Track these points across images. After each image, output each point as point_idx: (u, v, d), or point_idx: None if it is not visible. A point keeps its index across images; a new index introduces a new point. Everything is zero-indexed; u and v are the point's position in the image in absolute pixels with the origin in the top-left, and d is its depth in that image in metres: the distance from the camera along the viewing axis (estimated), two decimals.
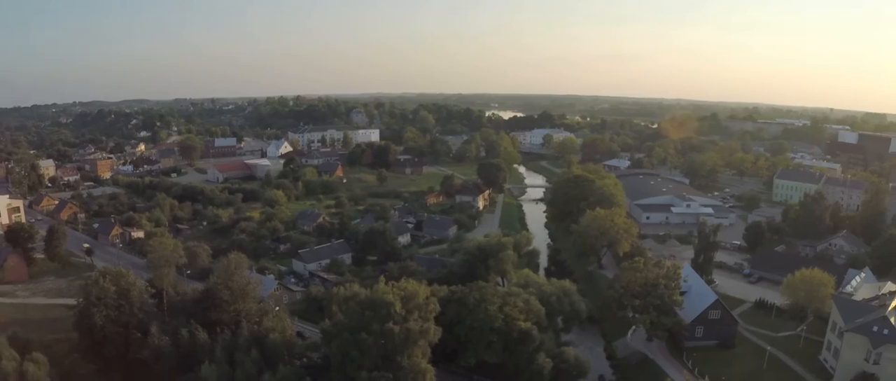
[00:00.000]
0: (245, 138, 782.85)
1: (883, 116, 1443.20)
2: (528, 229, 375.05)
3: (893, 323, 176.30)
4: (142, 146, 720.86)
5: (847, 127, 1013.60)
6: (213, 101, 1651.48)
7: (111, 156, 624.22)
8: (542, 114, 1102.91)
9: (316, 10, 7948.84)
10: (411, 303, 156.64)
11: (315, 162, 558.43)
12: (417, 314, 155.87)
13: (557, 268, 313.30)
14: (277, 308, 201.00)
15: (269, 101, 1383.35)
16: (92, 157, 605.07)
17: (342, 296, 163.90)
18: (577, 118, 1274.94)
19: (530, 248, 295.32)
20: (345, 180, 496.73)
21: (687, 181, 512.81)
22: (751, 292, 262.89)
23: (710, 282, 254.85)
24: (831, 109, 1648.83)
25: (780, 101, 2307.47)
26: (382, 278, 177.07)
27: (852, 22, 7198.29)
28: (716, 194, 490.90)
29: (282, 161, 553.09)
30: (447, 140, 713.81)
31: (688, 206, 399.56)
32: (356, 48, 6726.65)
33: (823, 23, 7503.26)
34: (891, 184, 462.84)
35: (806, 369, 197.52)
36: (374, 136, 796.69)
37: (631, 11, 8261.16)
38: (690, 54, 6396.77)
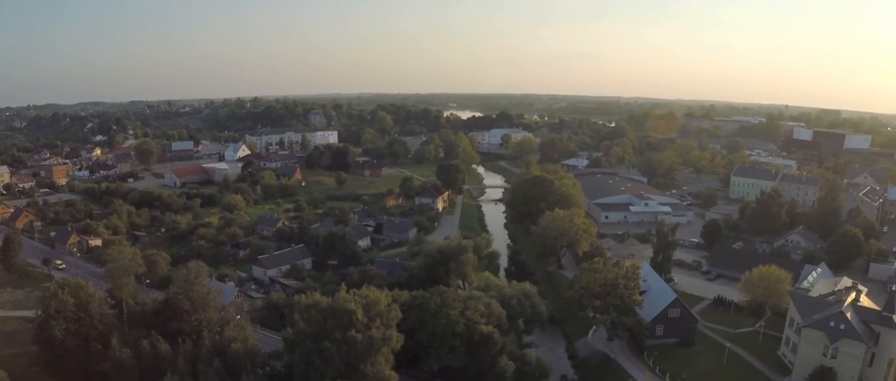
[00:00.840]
0: (202, 141, 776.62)
1: (837, 112, 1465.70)
2: (487, 231, 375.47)
3: (850, 318, 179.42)
4: (98, 151, 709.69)
5: (802, 124, 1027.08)
6: (169, 103, 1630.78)
7: (67, 161, 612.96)
8: (501, 114, 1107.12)
9: (271, 11, 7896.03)
10: (373, 310, 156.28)
11: (273, 165, 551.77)
12: (379, 322, 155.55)
13: (518, 269, 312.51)
14: (239, 317, 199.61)
15: (226, 102, 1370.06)
16: (47, 162, 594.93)
17: (304, 304, 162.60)
18: (535, 117, 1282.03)
19: (490, 250, 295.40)
20: (303, 184, 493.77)
21: (645, 180, 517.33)
22: (709, 290, 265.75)
23: (669, 281, 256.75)
24: (787, 106, 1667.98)
25: (736, 98, 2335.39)
26: (343, 285, 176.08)
27: (806, 21, 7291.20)
28: (674, 192, 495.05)
29: (240, 165, 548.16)
30: (406, 141, 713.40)
31: (646, 205, 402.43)
32: (313, 49, 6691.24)
33: (778, 22, 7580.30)
34: (845, 180, 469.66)
35: (765, 364, 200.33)
36: (332, 137, 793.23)
37: (588, 11, 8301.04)
38: (648, 53, 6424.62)
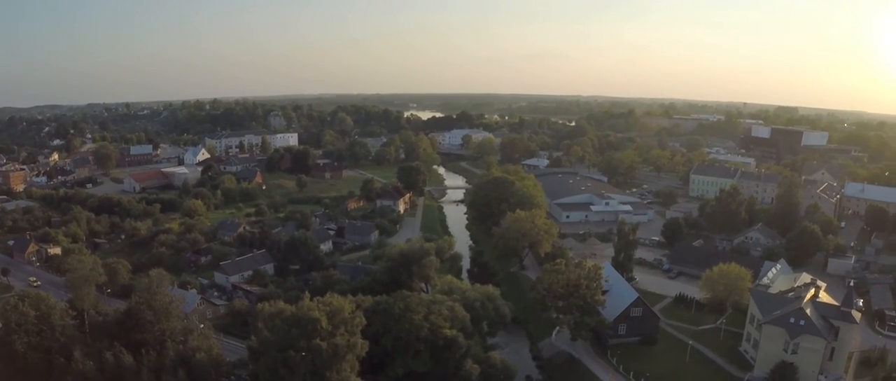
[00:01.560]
0: (162, 145, 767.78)
1: (795, 109, 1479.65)
2: (449, 232, 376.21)
3: (809, 314, 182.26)
4: (55, 156, 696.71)
5: (760, 121, 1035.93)
6: (127, 105, 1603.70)
7: (24, 167, 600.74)
8: (461, 114, 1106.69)
9: (229, 13, 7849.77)
10: (337, 318, 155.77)
11: (233, 169, 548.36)
12: (344, 329, 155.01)
13: (480, 270, 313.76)
14: (202, 326, 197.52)
15: (185, 105, 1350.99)
16: (4, 168, 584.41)
17: (267, 313, 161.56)
18: (496, 117, 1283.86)
19: (452, 252, 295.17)
20: (264, 187, 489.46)
21: (605, 179, 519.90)
22: (671, 288, 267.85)
23: (630, 280, 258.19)
24: (745, 104, 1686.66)
25: (695, 96, 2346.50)
26: (307, 293, 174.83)
27: (764, 20, 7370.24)
28: (634, 190, 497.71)
29: (200, 169, 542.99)
30: (366, 143, 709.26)
31: (606, 204, 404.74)
32: (273, 51, 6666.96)
33: (736, 20, 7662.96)
34: (803, 177, 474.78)
35: (727, 360, 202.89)
36: (292, 140, 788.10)
37: (548, 11, 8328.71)
38: (608, 53, 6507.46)
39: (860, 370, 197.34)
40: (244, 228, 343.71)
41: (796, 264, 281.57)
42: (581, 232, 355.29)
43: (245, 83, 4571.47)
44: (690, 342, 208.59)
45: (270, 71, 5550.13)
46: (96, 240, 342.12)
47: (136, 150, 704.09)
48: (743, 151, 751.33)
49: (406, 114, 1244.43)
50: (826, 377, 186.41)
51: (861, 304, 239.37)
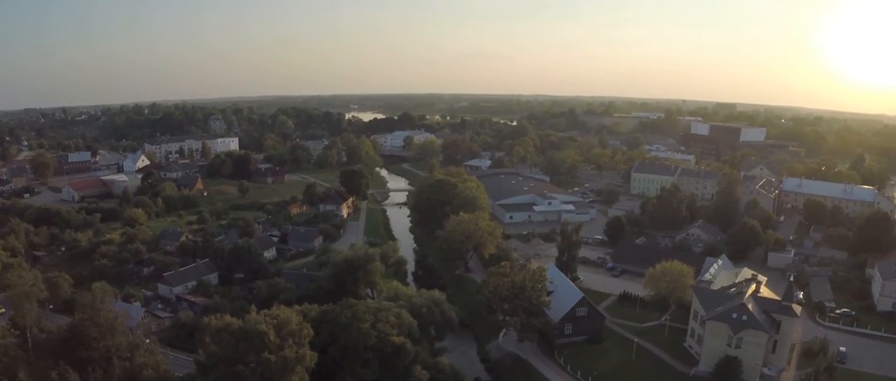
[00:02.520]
0: (100, 151, 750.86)
1: (733, 105, 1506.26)
2: (393, 236, 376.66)
3: (751, 309, 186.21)
4: None
5: (699, 118, 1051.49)
6: (64, 110, 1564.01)
7: None
8: (403, 115, 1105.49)
9: (169, 13, 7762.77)
10: (285, 330, 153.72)
11: (174, 175, 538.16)
12: (292, 341, 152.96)
13: (425, 273, 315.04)
14: (148, 341, 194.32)
15: (123, 109, 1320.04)
16: None
17: (214, 327, 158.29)
18: (437, 118, 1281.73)
19: (397, 257, 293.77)
20: (205, 194, 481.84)
21: (547, 179, 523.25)
22: (615, 286, 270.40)
23: (575, 279, 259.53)
24: (684, 101, 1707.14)
25: (635, 93, 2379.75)
26: (254, 307, 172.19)
27: (701, 17, 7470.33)
28: (576, 189, 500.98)
29: (139, 176, 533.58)
30: (308, 146, 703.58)
31: (549, 204, 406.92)
32: (212, 52, 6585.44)
33: (675, 18, 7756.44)
34: (742, 173, 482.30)
35: (672, 356, 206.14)
36: (233, 144, 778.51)
37: (488, 11, 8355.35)
38: (548, 51, 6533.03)
39: (802, 362, 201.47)
40: (186, 237, 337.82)
41: (737, 259, 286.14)
42: (525, 232, 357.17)
43: (184, 85, 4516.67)
44: (636, 340, 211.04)
45: (210, 73, 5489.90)
46: (36, 253, 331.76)
47: (74, 157, 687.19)
48: (683, 148, 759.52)
49: (347, 116, 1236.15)
50: (769, 369, 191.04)
51: (801, 296, 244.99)
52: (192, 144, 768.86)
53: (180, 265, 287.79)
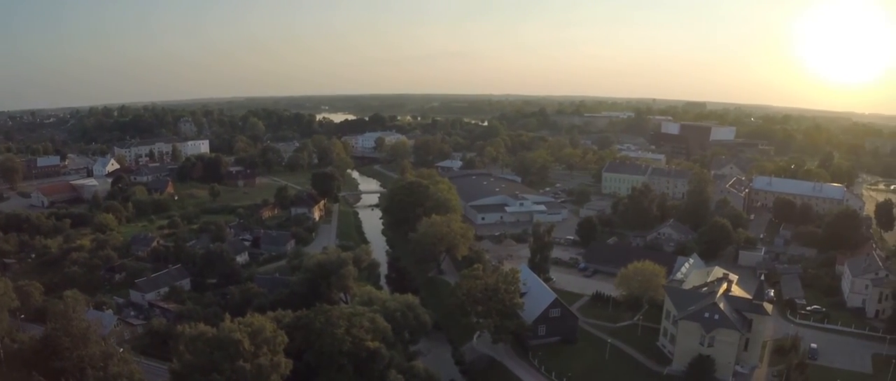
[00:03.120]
0: (69, 155, 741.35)
1: (703, 104, 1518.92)
2: (366, 238, 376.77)
3: (723, 309, 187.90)
4: None
5: (669, 117, 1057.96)
6: (32, 113, 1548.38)
7: None
8: (374, 116, 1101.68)
9: (137, 14, 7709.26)
10: (259, 338, 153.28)
11: (144, 179, 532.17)
12: (267, 349, 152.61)
13: (398, 275, 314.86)
14: (122, 350, 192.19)
15: (92, 111, 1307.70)
16: None
17: (189, 336, 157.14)
18: (409, 118, 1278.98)
19: (370, 260, 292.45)
20: (176, 198, 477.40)
21: (519, 179, 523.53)
22: (588, 286, 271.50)
23: (547, 280, 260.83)
24: (654, 100, 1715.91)
25: (606, 92, 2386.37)
26: (228, 315, 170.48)
27: (671, 16, 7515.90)
28: (547, 189, 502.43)
29: (109, 180, 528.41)
30: (279, 148, 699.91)
31: (521, 204, 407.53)
32: (181, 53, 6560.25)
33: (644, 18, 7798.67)
34: (712, 172, 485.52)
35: (646, 355, 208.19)
36: (203, 147, 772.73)
37: (459, 10, 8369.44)
38: (518, 51, 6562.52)
39: (774, 359, 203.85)
40: (158, 242, 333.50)
41: (708, 257, 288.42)
42: (497, 234, 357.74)
43: (154, 87, 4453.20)
44: (609, 340, 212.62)
45: (180, 75, 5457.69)
46: (5, 260, 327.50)
47: (43, 161, 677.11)
48: (653, 147, 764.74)
49: (318, 117, 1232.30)
50: (742, 367, 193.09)
51: (772, 294, 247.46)
52: (162, 146, 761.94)
53: (152, 271, 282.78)
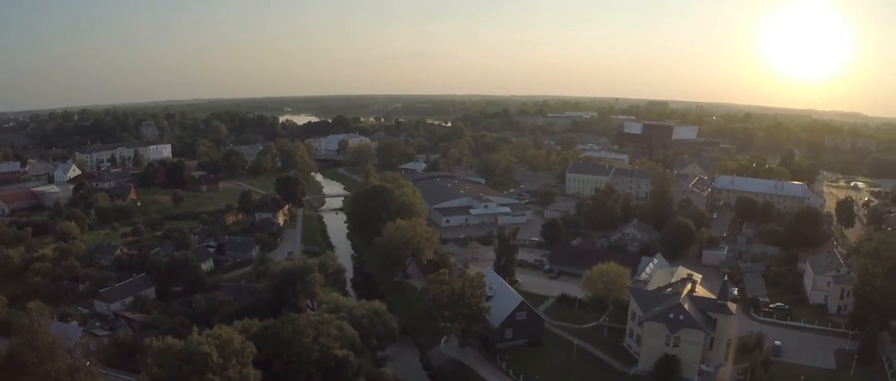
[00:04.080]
0: (30, 160, 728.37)
1: (665, 103, 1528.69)
2: (331, 243, 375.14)
3: (687, 309, 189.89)
4: None
5: (632, 117, 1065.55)
6: None
7: None
8: (337, 118, 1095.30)
9: (92, 13, 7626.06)
10: (228, 350, 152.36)
11: (106, 185, 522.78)
12: (235, 361, 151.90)
13: (364, 280, 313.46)
14: (88, 363, 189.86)
15: (52, 115, 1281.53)
16: None
17: (157, 349, 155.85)
18: (372, 120, 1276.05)
19: (336, 266, 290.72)
20: (139, 204, 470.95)
21: (483, 181, 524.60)
22: (553, 288, 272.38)
23: (513, 283, 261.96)
24: (617, 99, 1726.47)
25: (568, 92, 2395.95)
26: (195, 328, 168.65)
27: (632, 15, 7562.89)
28: (512, 190, 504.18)
29: (71, 187, 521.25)
30: (242, 152, 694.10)
31: (485, 206, 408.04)
32: (142, 54, 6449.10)
33: (607, 17, 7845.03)
34: (675, 171, 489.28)
35: (612, 356, 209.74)
36: (166, 151, 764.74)
37: (421, 11, 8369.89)
38: (481, 51, 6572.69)
39: (739, 357, 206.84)
40: (121, 250, 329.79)
41: (672, 257, 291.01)
42: (462, 236, 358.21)
43: (115, 90, 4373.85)
44: (576, 341, 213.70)
45: (141, 76, 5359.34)
46: None
47: (2, 167, 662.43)
48: (616, 147, 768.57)
49: (281, 119, 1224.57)
50: (707, 365, 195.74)
51: (736, 292, 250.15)
52: (123, 151, 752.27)
53: (116, 281, 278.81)
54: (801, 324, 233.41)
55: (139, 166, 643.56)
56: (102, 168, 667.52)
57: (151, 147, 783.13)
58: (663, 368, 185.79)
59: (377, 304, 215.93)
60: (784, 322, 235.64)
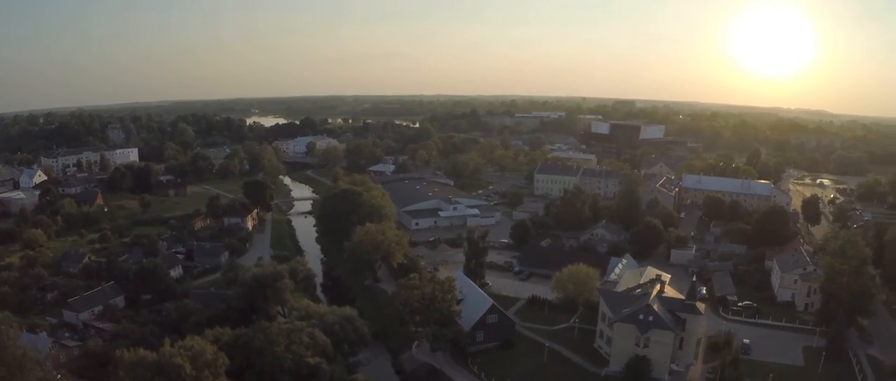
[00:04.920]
0: None
1: (632, 102, 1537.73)
2: (300, 247, 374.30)
3: (657, 310, 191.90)
4: None
5: (599, 116, 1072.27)
6: None
7: None
8: (305, 120, 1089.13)
9: (57, 12, 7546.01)
10: (200, 361, 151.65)
11: (73, 191, 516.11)
12: (208, 372, 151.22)
13: (334, 284, 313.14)
14: (59, 376, 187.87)
15: (17, 118, 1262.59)
16: None
17: (128, 361, 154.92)
18: (340, 121, 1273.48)
19: (306, 271, 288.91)
20: (106, 209, 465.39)
21: (451, 182, 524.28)
22: (523, 290, 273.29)
23: (483, 285, 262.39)
24: (584, 98, 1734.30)
25: (536, 91, 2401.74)
26: (167, 340, 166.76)
27: (598, 15, 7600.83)
28: (480, 192, 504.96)
29: (37, 193, 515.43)
30: (209, 155, 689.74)
31: (454, 208, 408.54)
32: (106, 55, 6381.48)
33: (573, 17, 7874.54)
34: (643, 171, 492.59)
35: (583, 357, 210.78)
36: (132, 155, 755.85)
37: (387, 11, 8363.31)
38: (448, 51, 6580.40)
39: (709, 355, 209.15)
40: (89, 258, 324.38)
41: (641, 257, 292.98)
42: (431, 239, 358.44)
43: (80, 92, 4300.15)
44: (547, 343, 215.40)
45: (106, 78, 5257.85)
46: None
47: None
48: (584, 147, 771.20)
49: (249, 121, 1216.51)
50: (678, 365, 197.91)
51: (704, 292, 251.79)
52: (90, 156, 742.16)
53: (85, 289, 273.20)
54: (770, 322, 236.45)
55: (106, 171, 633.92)
56: (68, 173, 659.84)
57: (118, 151, 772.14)
58: (634, 368, 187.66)
59: (348, 310, 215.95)
60: (752, 320, 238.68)
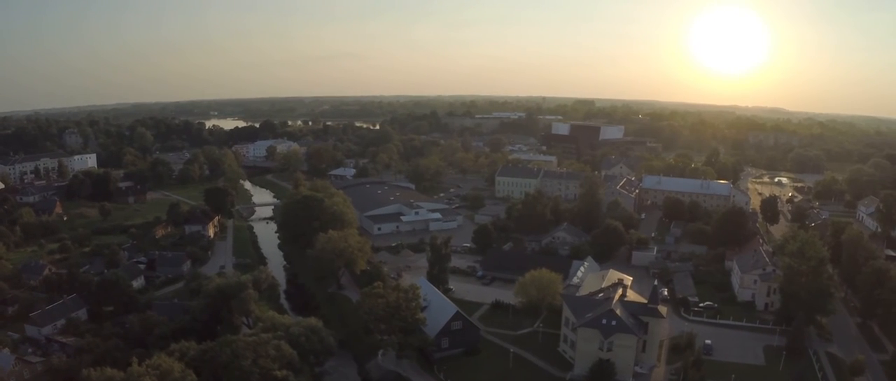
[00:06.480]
0: None
1: (592, 101, 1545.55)
2: (263, 255, 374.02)
3: (620, 314, 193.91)
4: None
5: (559, 117, 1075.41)
6: None
7: None
8: (265, 123, 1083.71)
9: (7, 15, 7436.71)
10: (168, 379, 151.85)
11: (31, 199, 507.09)
12: None
13: (297, 292, 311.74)
14: None
15: None
16: None
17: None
18: (300, 124, 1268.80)
19: (270, 281, 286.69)
20: (65, 218, 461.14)
21: (413, 186, 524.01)
22: (487, 294, 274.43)
23: (447, 291, 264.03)
24: (544, 98, 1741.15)
25: (496, 91, 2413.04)
26: (135, 359, 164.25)
27: (561, 16, 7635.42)
28: (441, 195, 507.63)
29: None
30: (169, 161, 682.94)
31: (416, 213, 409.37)
32: (61, 57, 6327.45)
33: (531, 17, 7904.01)
34: (603, 173, 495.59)
35: (548, 361, 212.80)
36: (91, 161, 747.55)
37: (347, 12, 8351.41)
38: (407, 52, 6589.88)
39: (672, 357, 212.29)
40: (50, 269, 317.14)
41: (603, 259, 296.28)
42: (393, 244, 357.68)
43: (36, 95, 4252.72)
44: (512, 348, 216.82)
45: (62, 81, 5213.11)
46: None
47: None
48: (544, 148, 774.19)
49: (208, 125, 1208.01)
50: (641, 367, 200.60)
51: (666, 293, 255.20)
52: (47, 162, 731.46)
53: (47, 302, 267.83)
54: (731, 322, 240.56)
55: (64, 178, 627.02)
56: (26, 181, 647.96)
57: (76, 157, 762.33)
58: (598, 372, 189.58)
59: (313, 321, 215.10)
60: (714, 321, 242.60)
